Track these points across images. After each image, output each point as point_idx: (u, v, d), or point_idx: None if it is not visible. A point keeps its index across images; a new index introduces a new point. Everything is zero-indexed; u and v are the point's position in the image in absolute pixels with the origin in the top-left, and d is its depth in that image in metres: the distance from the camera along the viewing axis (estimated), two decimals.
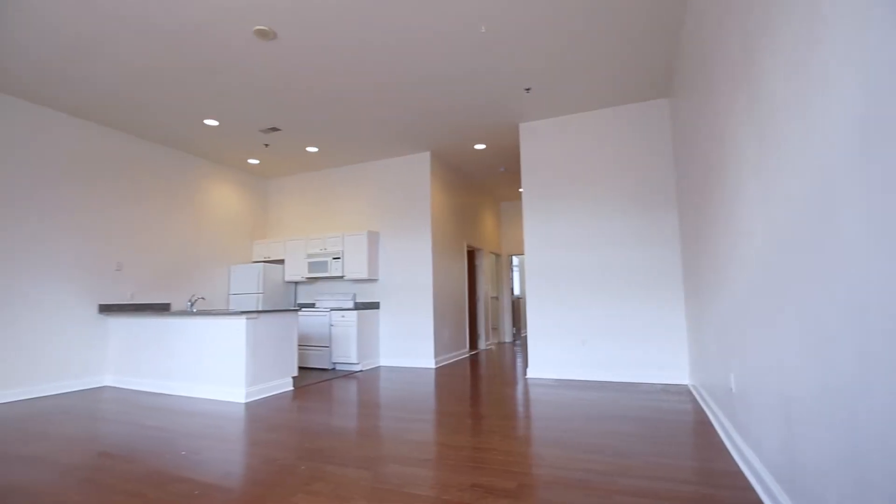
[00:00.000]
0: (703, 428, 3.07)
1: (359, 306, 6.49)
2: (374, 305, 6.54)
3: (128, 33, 3.54)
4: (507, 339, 9.51)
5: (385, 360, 6.47)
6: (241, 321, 4.32)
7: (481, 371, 5.77)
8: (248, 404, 4.09)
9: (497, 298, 9.71)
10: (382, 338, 6.52)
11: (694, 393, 4.11)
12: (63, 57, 3.86)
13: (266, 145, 6.11)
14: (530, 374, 5.22)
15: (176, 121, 5.25)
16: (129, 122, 5.25)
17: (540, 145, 5.43)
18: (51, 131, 4.88)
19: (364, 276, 6.38)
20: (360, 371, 5.92)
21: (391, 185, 6.70)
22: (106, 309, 5.26)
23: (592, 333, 4.97)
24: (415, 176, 6.52)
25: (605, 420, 3.33)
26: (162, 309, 5.88)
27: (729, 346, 2.64)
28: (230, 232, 7.03)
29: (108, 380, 5.23)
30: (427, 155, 6.47)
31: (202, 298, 5.79)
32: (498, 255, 9.76)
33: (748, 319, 2.18)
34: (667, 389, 4.32)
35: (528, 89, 4.65)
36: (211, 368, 4.47)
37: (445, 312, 6.63)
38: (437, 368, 6.00)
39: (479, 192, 8.55)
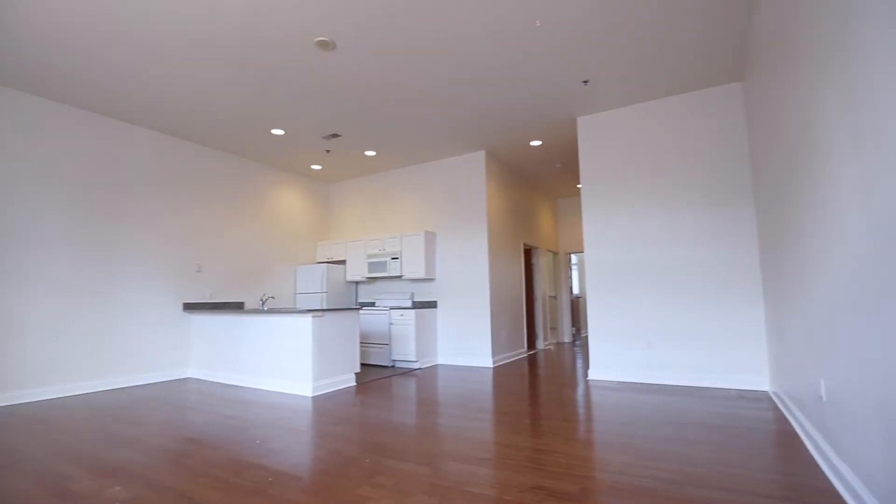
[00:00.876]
0: (786, 438, 2.84)
1: (417, 305, 6.61)
2: (432, 304, 6.62)
3: (205, 55, 3.83)
4: (567, 339, 9.28)
5: (443, 358, 6.54)
6: (307, 319, 4.54)
7: (540, 371, 5.68)
8: (314, 398, 4.29)
9: (555, 298, 9.51)
10: (440, 336, 6.59)
11: (775, 400, 3.80)
12: (155, 79, 4.24)
13: (327, 151, 6.37)
14: (592, 375, 5.06)
15: (246, 132, 5.61)
16: (205, 134, 5.68)
17: (599, 139, 5.25)
18: (140, 146, 5.39)
19: (421, 275, 6.49)
20: (419, 369, 6.02)
21: (447, 185, 6.75)
22: (189, 307, 5.73)
23: (658, 334, 4.74)
24: (470, 175, 6.53)
25: (673, 426, 3.16)
26: (237, 307, 6.31)
27: (820, 349, 2.42)
28: (296, 234, 7.41)
29: (191, 372, 5.70)
30: (482, 154, 6.46)
31: (272, 297, 6.15)
32: (555, 254, 9.55)
33: (844, 319, 1.99)
34: (743, 395, 4.03)
35: (585, 82, 4.51)
36: (281, 363, 4.74)
37: (502, 312, 6.59)
38: (494, 368, 5.98)
39: (536, 189, 8.41)
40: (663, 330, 4.72)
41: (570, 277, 9.80)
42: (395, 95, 4.72)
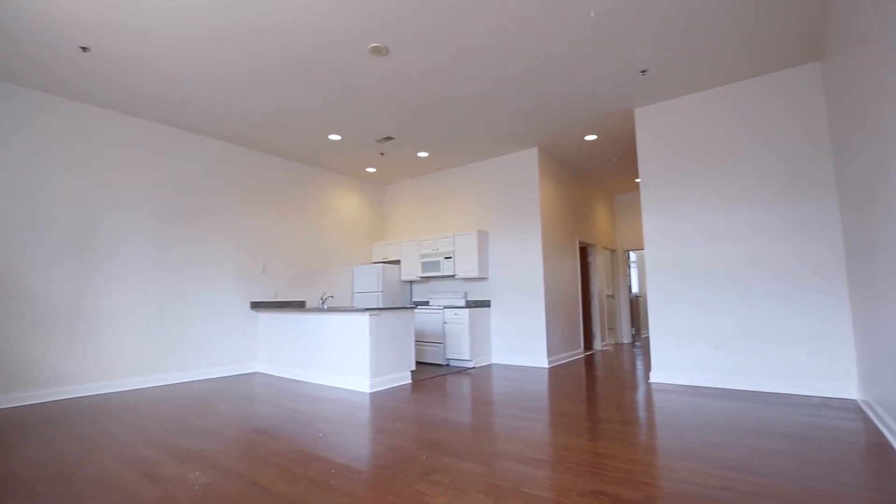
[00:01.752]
0: (880, 452, 2.57)
1: (470, 304, 6.62)
2: (485, 304, 6.61)
3: (284, 71, 4.06)
4: (626, 339, 8.94)
5: (497, 357, 6.51)
6: (364, 318, 4.68)
7: (598, 373, 5.51)
8: (372, 394, 4.41)
9: (613, 297, 9.18)
10: (494, 336, 6.56)
11: (865, 409, 3.46)
12: (222, 94, 4.55)
13: (381, 154, 6.53)
14: (653, 378, 4.84)
15: (305, 139, 5.88)
16: (268, 143, 6.00)
17: (659, 130, 5.01)
18: (209, 156, 5.80)
19: (475, 274, 6.49)
20: (473, 368, 6.03)
21: (499, 183, 6.71)
22: (256, 305, 6.08)
23: (728, 336, 4.45)
24: (522, 173, 6.45)
25: (745, 434, 2.96)
26: (298, 306, 6.62)
27: None
28: (353, 235, 7.66)
29: (258, 367, 6.05)
30: (534, 151, 6.36)
31: (331, 297, 6.40)
32: (613, 251, 9.22)
33: None
34: (827, 403, 3.70)
35: (643, 71, 4.32)
36: (340, 360, 4.92)
37: (557, 311, 6.46)
38: (550, 368, 5.87)
39: (591, 185, 8.17)
40: (734, 331, 4.42)
41: (629, 275, 9.43)
42: (446, 96, 4.75)
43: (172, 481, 2.35)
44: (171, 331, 5.26)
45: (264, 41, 3.70)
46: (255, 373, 5.90)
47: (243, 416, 3.68)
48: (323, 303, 6.11)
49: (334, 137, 5.87)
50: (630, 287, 9.37)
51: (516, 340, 6.33)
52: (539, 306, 6.13)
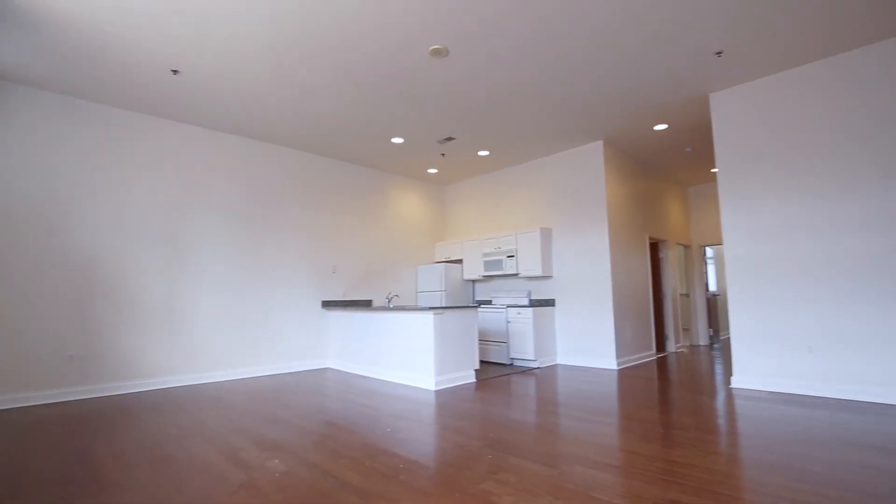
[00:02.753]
0: None
1: (534, 303, 6.52)
2: (550, 302, 6.48)
3: (347, 80, 4.25)
4: (702, 341, 8.38)
5: (562, 358, 6.35)
6: (429, 316, 4.77)
7: (672, 376, 5.21)
8: (437, 392, 4.48)
9: (687, 295, 8.64)
10: (559, 335, 6.42)
11: None
12: (296, 101, 4.83)
13: (443, 155, 6.61)
14: (735, 383, 4.50)
15: (370, 143, 6.08)
16: (333, 148, 6.28)
17: (737, 116, 4.64)
18: (280, 163, 6.17)
19: (538, 273, 6.39)
20: (538, 368, 5.93)
21: (563, 179, 6.55)
22: (326, 304, 6.39)
23: (822, 339, 4.03)
24: (587, 167, 6.25)
25: (843, 447, 2.67)
26: (366, 304, 6.87)
27: None
28: (416, 236, 7.82)
29: (329, 363, 6.35)
30: (599, 144, 6.14)
31: (397, 295, 6.57)
32: (687, 247, 8.68)
33: None
34: None
35: (718, 53, 4.02)
36: (406, 358, 5.04)
37: (627, 310, 6.18)
38: (619, 370, 5.64)
39: (662, 177, 7.74)
40: (830, 333, 4.00)
41: (706, 273, 8.82)
42: (507, 92, 4.72)
43: (255, 467, 2.53)
44: (251, 328, 5.66)
45: (327, 53, 3.88)
46: (326, 368, 6.20)
47: (316, 410, 3.88)
48: (389, 301, 6.30)
49: (397, 140, 6.02)
50: (707, 285, 8.77)
51: (583, 341, 6.14)
52: (607, 306, 5.91)
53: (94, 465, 2.60)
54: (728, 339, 9.23)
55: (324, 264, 6.48)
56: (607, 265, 5.93)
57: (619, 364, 5.82)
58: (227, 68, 4.09)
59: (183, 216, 5.23)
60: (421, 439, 3.01)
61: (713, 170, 7.57)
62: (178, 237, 5.18)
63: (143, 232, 4.95)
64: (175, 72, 4.13)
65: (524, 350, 6.09)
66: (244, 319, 5.61)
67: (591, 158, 6.21)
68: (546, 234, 6.52)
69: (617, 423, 3.29)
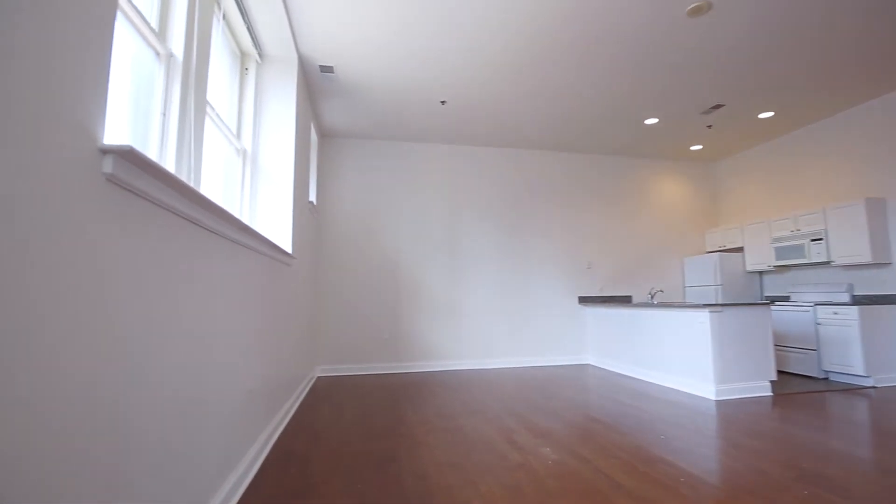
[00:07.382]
0: None
1: (859, 300, 4.92)
2: (887, 299, 4.77)
3: (590, 68, 4.21)
4: None
5: None
6: (704, 314, 4.19)
7: None
8: (718, 402, 3.89)
9: None
10: None
11: None
12: (536, 100, 5.03)
13: (709, 126, 5.69)
14: None
15: (620, 130, 5.76)
16: (581, 142, 6.19)
17: None
18: (530, 167, 6.46)
19: (865, 259, 4.79)
20: (872, 387, 4.45)
21: (893, 130, 4.74)
22: (582, 300, 6.37)
23: None
24: None
25: None
26: (624, 300, 6.53)
27: None
28: (679, 224, 6.98)
29: (589, 359, 6.29)
30: None
31: (660, 291, 6.02)
32: None
33: None
34: None
35: None
36: (676, 360, 4.55)
37: None
38: None
39: None
40: None
41: None
42: (789, 37, 3.72)
43: (528, 451, 2.73)
44: (515, 322, 6.13)
45: (569, 47, 3.86)
46: (586, 364, 6.17)
47: (580, 404, 3.90)
48: (652, 297, 5.82)
49: (651, 122, 5.51)
50: None
51: None
52: None
53: (408, 426, 3.29)
54: None
55: (578, 260, 6.47)
56: None
57: None
58: (484, 96, 4.56)
59: (457, 225, 6.09)
60: (702, 453, 2.66)
61: None
62: (453, 242, 6.06)
63: (429, 241, 5.99)
64: (443, 102, 4.85)
65: (847, 362, 4.66)
66: (509, 314, 6.12)
67: None
68: (875, 206, 4.83)
69: None
